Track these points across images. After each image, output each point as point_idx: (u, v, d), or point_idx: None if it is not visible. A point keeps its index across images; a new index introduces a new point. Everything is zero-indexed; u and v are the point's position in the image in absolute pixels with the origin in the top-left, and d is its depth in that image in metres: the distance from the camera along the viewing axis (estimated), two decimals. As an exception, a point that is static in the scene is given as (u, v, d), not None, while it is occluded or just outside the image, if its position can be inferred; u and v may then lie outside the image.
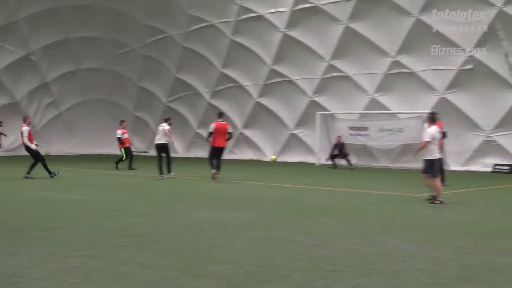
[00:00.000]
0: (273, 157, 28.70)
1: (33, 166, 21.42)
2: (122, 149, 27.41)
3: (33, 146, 21.24)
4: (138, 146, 42.03)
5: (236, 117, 36.44)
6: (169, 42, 38.20)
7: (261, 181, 21.04)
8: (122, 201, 14.71)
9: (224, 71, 36.33)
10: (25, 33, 36.94)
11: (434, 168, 14.59)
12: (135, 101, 42.55)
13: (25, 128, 21.43)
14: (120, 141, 27.56)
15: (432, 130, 14.54)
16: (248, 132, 36.41)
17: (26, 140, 21.25)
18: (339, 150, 29.74)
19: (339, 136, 30.25)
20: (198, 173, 23.62)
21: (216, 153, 21.33)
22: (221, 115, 21.83)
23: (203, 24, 35.68)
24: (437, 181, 14.60)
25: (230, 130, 21.57)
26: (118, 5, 37.94)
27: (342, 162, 29.58)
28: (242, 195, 16.45)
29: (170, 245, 8.88)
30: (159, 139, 22.41)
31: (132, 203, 14.36)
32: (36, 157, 21.44)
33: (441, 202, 14.25)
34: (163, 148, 22.36)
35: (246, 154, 36.81)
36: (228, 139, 21.52)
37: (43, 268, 7.42)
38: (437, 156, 14.68)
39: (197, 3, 35.16)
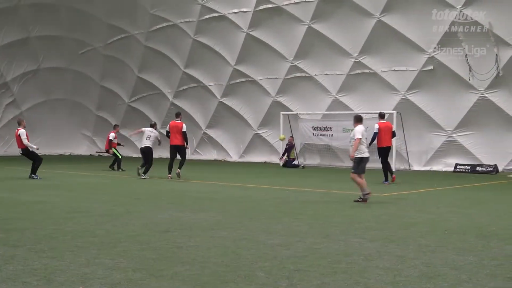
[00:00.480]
0: (282, 136, 29.52)
1: (37, 166, 21.51)
2: (114, 150, 27.46)
3: (34, 147, 21.44)
4: (101, 147, 41.76)
5: (199, 117, 36.36)
6: (131, 41, 37.96)
7: (226, 181, 21.04)
8: (84, 202, 14.54)
9: (187, 71, 36.21)
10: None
11: (361, 166, 14.85)
12: (97, 101, 42.18)
13: (23, 131, 21.47)
14: (110, 143, 28.03)
15: (359, 129, 14.88)
16: (211, 132, 36.35)
17: (26, 142, 21.23)
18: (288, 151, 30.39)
19: (291, 137, 30.64)
20: (163, 173, 23.47)
21: (173, 151, 22.35)
22: (177, 114, 22.79)
23: (165, 24, 35.51)
24: (362, 178, 14.86)
25: (184, 129, 22.06)
26: (80, 4, 37.55)
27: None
28: (207, 195, 16.41)
29: (133, 246, 8.80)
30: (145, 143, 23.10)
31: (95, 203, 14.21)
32: (36, 157, 21.49)
33: (365, 201, 14.58)
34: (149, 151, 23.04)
35: (211, 154, 36.76)
36: (185, 139, 22.12)
37: (4, 270, 7.29)
38: (366, 154, 14.95)
39: (159, 2, 34.98)
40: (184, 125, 22.10)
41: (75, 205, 13.81)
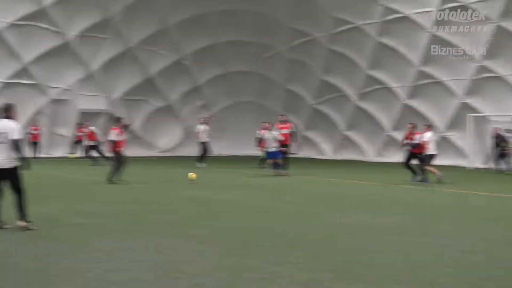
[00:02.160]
0: (192, 175, 20.62)
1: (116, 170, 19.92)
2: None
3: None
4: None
5: (384, 119, 36.02)
6: (314, 44, 38.29)
7: (414, 185, 20.54)
8: (268, 202, 14.95)
9: (371, 72, 35.97)
10: (177, 38, 38.43)
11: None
12: (283, 103, 42.90)
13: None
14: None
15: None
16: (396, 134, 35.83)
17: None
18: None
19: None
20: (347, 176, 23.51)
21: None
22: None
23: (347, 26, 35.51)
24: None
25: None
26: (263, 9, 38.45)
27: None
28: (390, 198, 16.26)
29: (319, 247, 8.94)
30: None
31: (279, 204, 14.56)
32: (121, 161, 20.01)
33: None
34: None
35: (394, 158, 36.27)
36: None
37: (198, 265, 7.71)
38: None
39: (340, 5, 35.01)
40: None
41: (260, 205, 14.28)
